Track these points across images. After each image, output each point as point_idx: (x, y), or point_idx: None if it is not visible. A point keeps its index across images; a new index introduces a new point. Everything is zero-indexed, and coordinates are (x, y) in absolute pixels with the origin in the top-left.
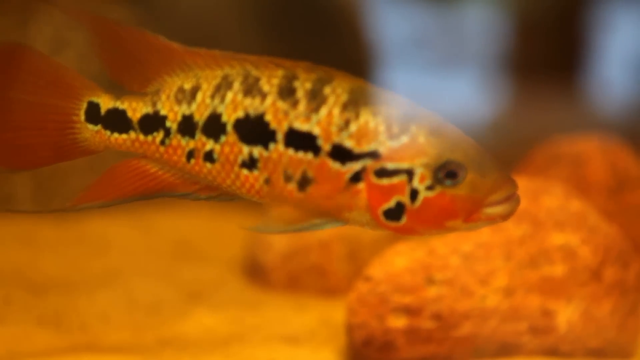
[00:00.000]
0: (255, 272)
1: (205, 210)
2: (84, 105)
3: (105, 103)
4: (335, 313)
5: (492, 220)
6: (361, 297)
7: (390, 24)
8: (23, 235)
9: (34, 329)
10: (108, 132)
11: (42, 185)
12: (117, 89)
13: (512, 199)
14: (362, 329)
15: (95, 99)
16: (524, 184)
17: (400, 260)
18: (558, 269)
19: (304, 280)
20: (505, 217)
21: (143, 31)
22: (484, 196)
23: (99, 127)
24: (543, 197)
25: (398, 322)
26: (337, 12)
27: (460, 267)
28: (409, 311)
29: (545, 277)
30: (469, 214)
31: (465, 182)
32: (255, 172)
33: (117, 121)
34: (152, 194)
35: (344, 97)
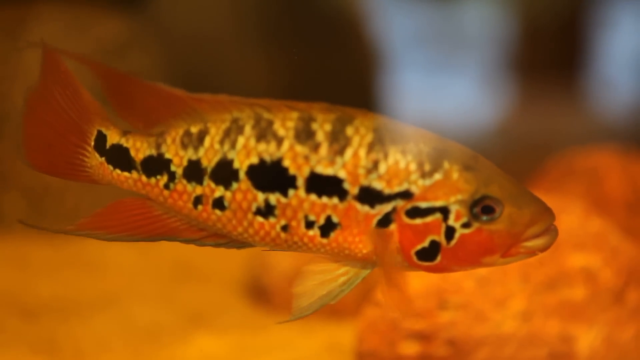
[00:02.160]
0: (258, 294)
1: None
2: (95, 132)
3: (112, 137)
4: (343, 336)
5: (530, 253)
6: (371, 324)
7: (393, 25)
8: (16, 257)
9: (27, 356)
10: (111, 167)
11: (34, 205)
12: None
13: (551, 230)
14: (372, 357)
15: (104, 130)
16: None
17: (411, 284)
18: (578, 292)
19: None
20: (544, 249)
21: (145, 80)
22: (523, 230)
23: (103, 159)
24: (561, 215)
25: (410, 349)
26: (338, 16)
27: (475, 291)
28: (422, 337)
29: (565, 300)
30: (507, 249)
31: (503, 217)
32: (272, 219)
33: (120, 158)
34: (155, 236)
35: (368, 137)
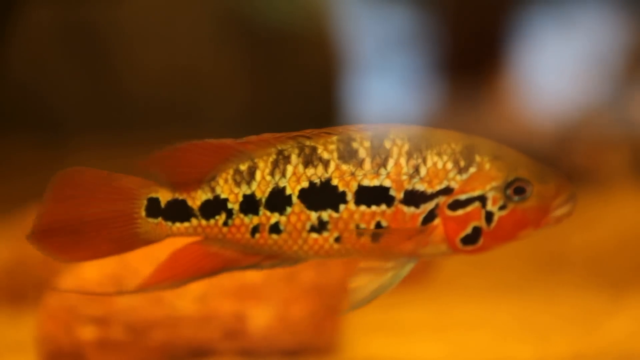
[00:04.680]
0: None
1: None
2: (144, 203)
3: (165, 196)
4: None
5: (559, 221)
6: (50, 310)
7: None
8: None
9: None
10: (169, 223)
11: None
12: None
13: (572, 197)
14: (50, 342)
15: (154, 195)
16: None
17: (90, 272)
18: (256, 275)
19: (28, 294)
20: (569, 216)
21: (192, 143)
22: (550, 202)
23: (159, 219)
24: None
25: (89, 334)
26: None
27: None
28: (100, 322)
29: (241, 283)
30: (539, 221)
31: (533, 194)
32: (325, 234)
33: (178, 211)
34: (216, 271)
35: (406, 146)
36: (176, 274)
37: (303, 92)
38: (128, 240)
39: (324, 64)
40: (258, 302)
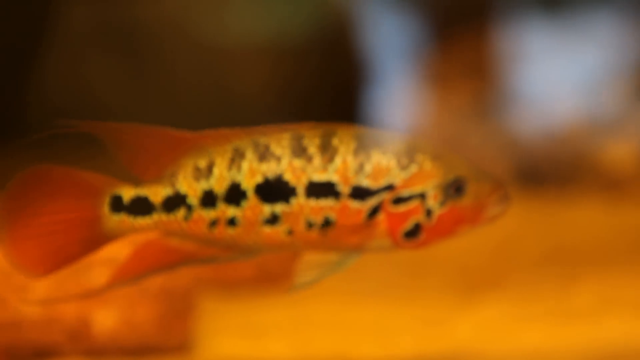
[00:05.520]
0: None
1: None
2: (107, 199)
3: (127, 192)
4: None
5: (493, 219)
6: None
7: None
8: None
9: None
10: (132, 218)
11: None
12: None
13: (506, 197)
14: None
15: (117, 192)
16: None
17: None
18: (101, 277)
19: None
20: (502, 214)
21: (151, 127)
22: (485, 200)
23: (122, 215)
24: None
25: None
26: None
27: None
28: None
29: (86, 285)
30: (475, 218)
31: (469, 192)
32: (277, 227)
33: (140, 207)
34: (176, 264)
35: (352, 144)
36: (138, 271)
37: (326, 99)
38: (95, 239)
39: (346, 72)
40: (103, 305)
